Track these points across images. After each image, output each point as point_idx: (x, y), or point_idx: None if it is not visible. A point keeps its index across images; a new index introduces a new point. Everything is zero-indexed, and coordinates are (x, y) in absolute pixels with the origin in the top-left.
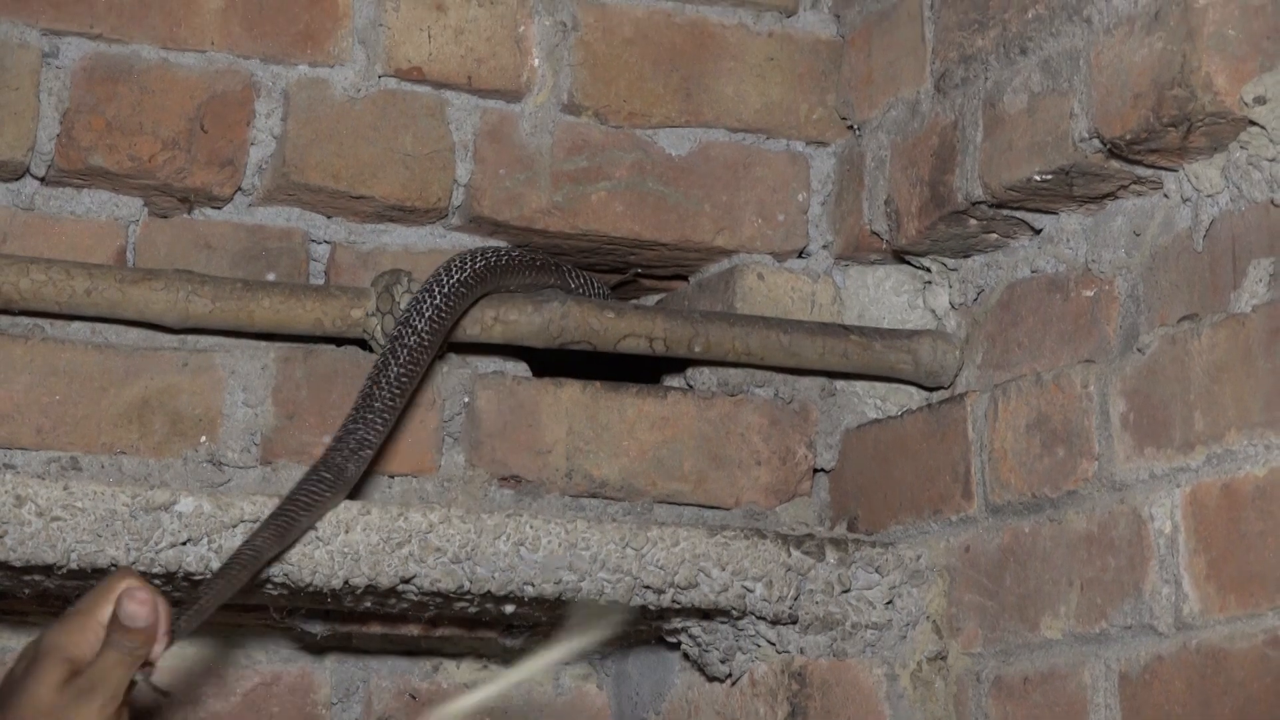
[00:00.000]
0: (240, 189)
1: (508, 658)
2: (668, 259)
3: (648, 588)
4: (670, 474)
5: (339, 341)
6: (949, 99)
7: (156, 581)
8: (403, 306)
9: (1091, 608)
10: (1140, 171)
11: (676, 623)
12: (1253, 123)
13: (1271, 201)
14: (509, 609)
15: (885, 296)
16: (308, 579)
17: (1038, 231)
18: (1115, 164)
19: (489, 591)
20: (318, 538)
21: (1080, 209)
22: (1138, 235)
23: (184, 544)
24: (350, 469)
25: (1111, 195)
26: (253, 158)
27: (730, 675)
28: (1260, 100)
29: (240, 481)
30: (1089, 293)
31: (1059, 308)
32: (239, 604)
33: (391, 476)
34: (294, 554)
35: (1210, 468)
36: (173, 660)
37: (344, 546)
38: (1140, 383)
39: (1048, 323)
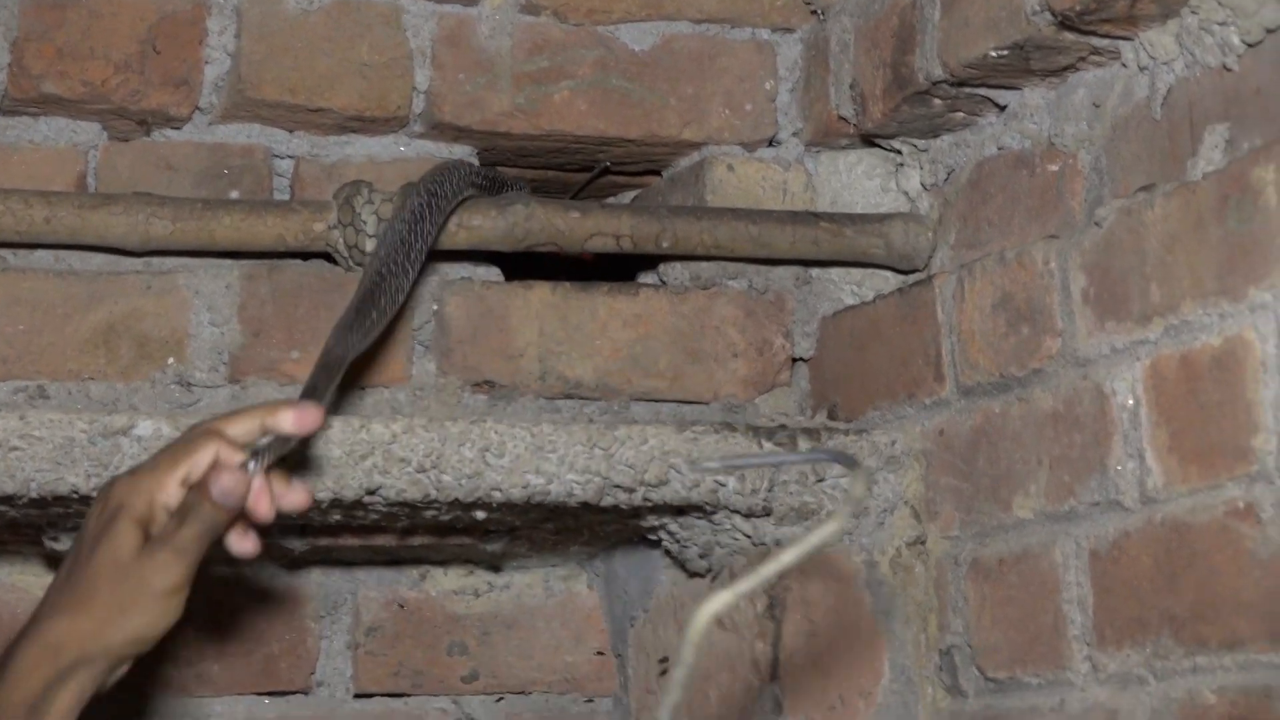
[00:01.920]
0: (198, 108)
1: (493, 562)
2: (637, 155)
3: (618, 487)
4: (646, 371)
5: (305, 256)
6: None
7: None
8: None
9: (1060, 486)
10: (1097, 42)
11: (653, 520)
12: None
13: (1224, 66)
14: (480, 515)
15: (858, 181)
16: None
17: (1003, 108)
18: (1069, 36)
19: (456, 499)
20: None
21: (1043, 83)
22: (1098, 107)
23: None
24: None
25: (1072, 68)
26: (208, 76)
27: (710, 570)
28: None
29: (210, 401)
30: (1054, 167)
31: (1025, 184)
32: None
33: (362, 388)
34: None
35: (1169, 339)
36: None
37: (306, 461)
38: (1099, 256)
39: (1015, 200)
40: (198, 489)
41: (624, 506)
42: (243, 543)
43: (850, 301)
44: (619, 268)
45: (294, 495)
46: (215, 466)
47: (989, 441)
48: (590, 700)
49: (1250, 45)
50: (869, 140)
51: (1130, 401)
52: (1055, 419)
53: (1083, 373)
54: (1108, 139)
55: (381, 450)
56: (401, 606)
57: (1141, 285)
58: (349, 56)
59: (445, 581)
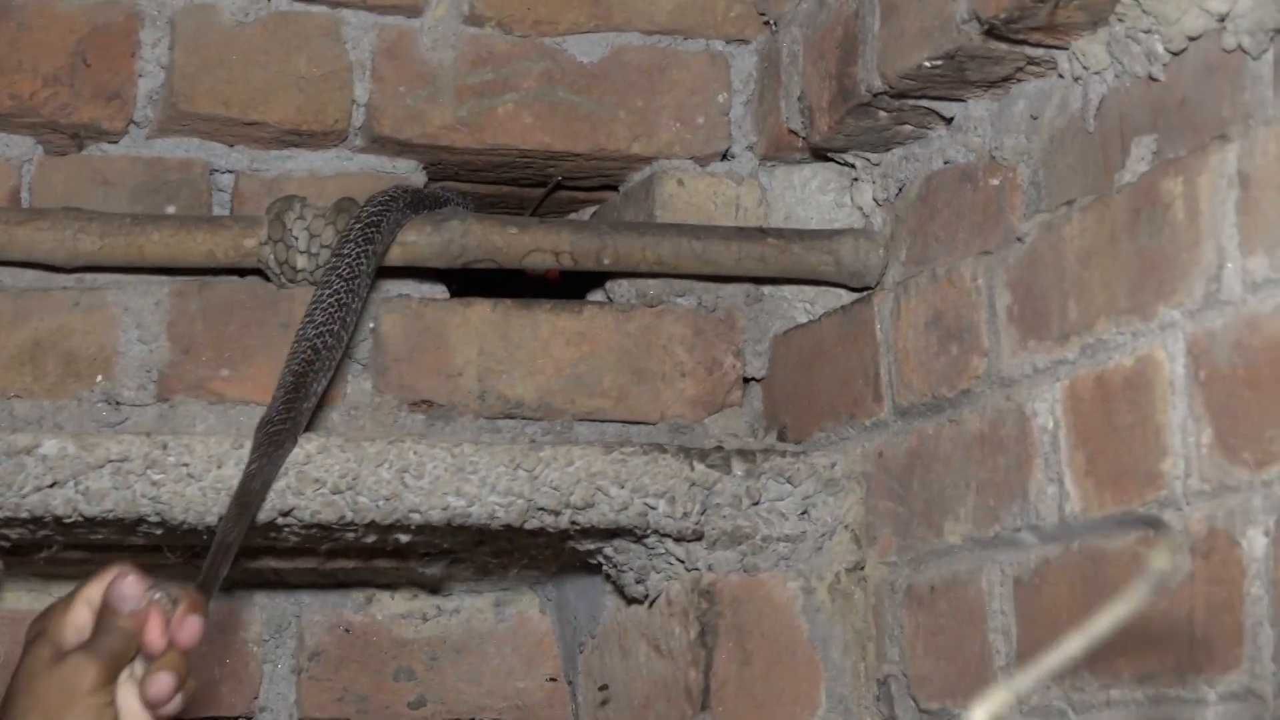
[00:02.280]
0: (134, 122)
1: (435, 587)
2: (588, 169)
3: (542, 509)
4: (590, 391)
5: (241, 273)
6: None
7: (25, 528)
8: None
9: (986, 511)
10: (1031, 52)
11: (588, 544)
12: None
13: (1150, 75)
14: (402, 538)
15: (812, 196)
16: (180, 517)
17: (949, 121)
18: (1000, 45)
19: (373, 521)
20: (189, 474)
21: (986, 94)
22: (1035, 119)
23: (50, 487)
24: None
25: (1011, 79)
26: (142, 89)
27: (648, 596)
28: None
29: (138, 420)
30: (995, 181)
31: (969, 198)
32: (151, 545)
33: None
34: (164, 492)
35: (1086, 359)
36: None
37: (216, 482)
38: (1023, 273)
39: (960, 215)
40: (105, 610)
41: (551, 529)
42: (152, 686)
43: (803, 320)
44: (578, 286)
45: (187, 629)
46: (116, 577)
47: (923, 464)
48: None
49: (1174, 54)
50: (821, 154)
51: (1050, 424)
52: (982, 441)
53: (1006, 393)
54: (1045, 151)
55: (295, 470)
56: (347, 631)
57: (1061, 302)
58: (285, 69)
59: (392, 605)
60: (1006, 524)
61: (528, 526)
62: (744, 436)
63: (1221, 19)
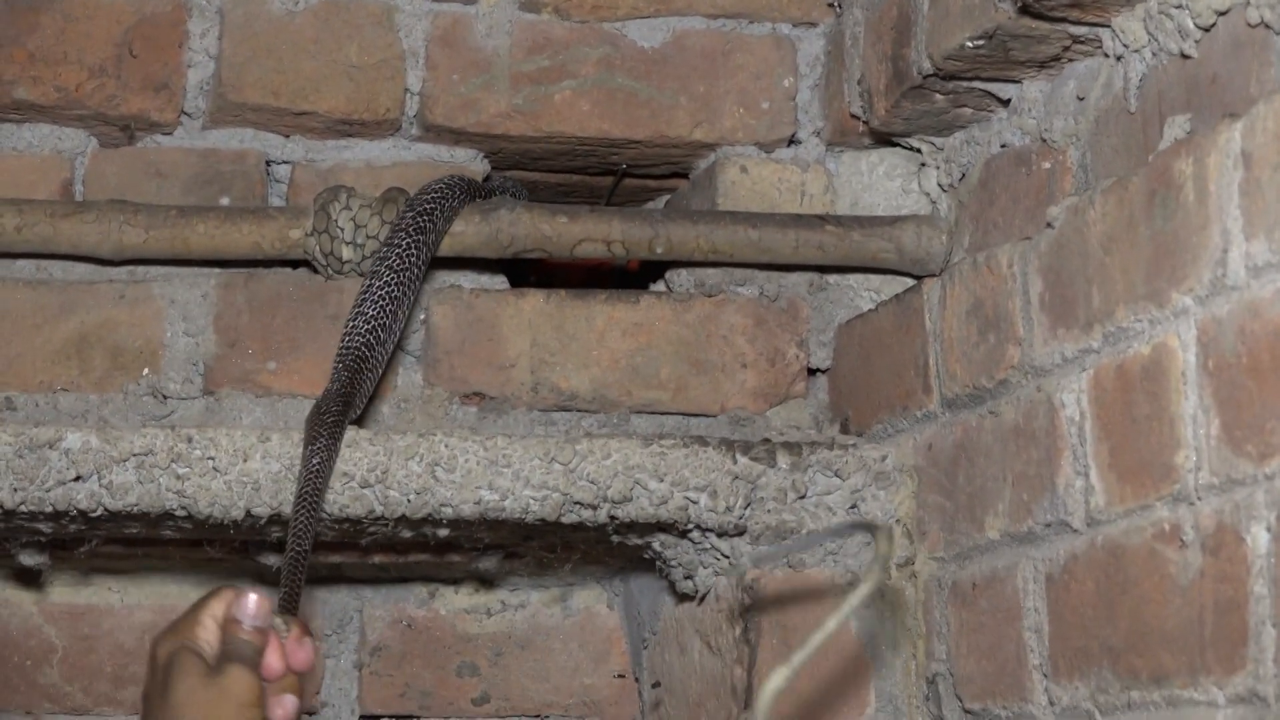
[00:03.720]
0: (185, 113)
1: (497, 582)
2: (652, 157)
3: (579, 503)
4: (647, 383)
5: (294, 264)
6: None
7: (52, 522)
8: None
9: (1020, 505)
10: (1074, 30)
11: (635, 539)
12: None
13: (1182, 53)
14: (439, 532)
15: (879, 182)
16: (206, 511)
17: (1006, 103)
18: (1039, 24)
19: (404, 515)
20: (214, 468)
21: (1040, 75)
22: (1082, 100)
23: (73, 481)
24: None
25: (1061, 58)
26: (191, 80)
27: (697, 592)
28: None
29: (185, 413)
30: (1046, 165)
31: (1024, 183)
32: (189, 540)
33: None
34: (189, 486)
35: (1109, 347)
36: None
37: (242, 476)
38: (1052, 259)
39: (1016, 200)
40: (230, 624)
41: (590, 524)
42: (279, 708)
43: (869, 308)
44: (643, 277)
45: (304, 652)
46: (233, 603)
47: (967, 457)
48: None
49: (1204, 29)
50: (885, 139)
51: (1077, 415)
52: (1017, 433)
53: (1038, 384)
54: (1091, 133)
55: None
56: (409, 626)
57: (1085, 289)
58: (336, 58)
59: (455, 600)
60: (1039, 519)
61: (564, 520)
62: (807, 429)
63: None
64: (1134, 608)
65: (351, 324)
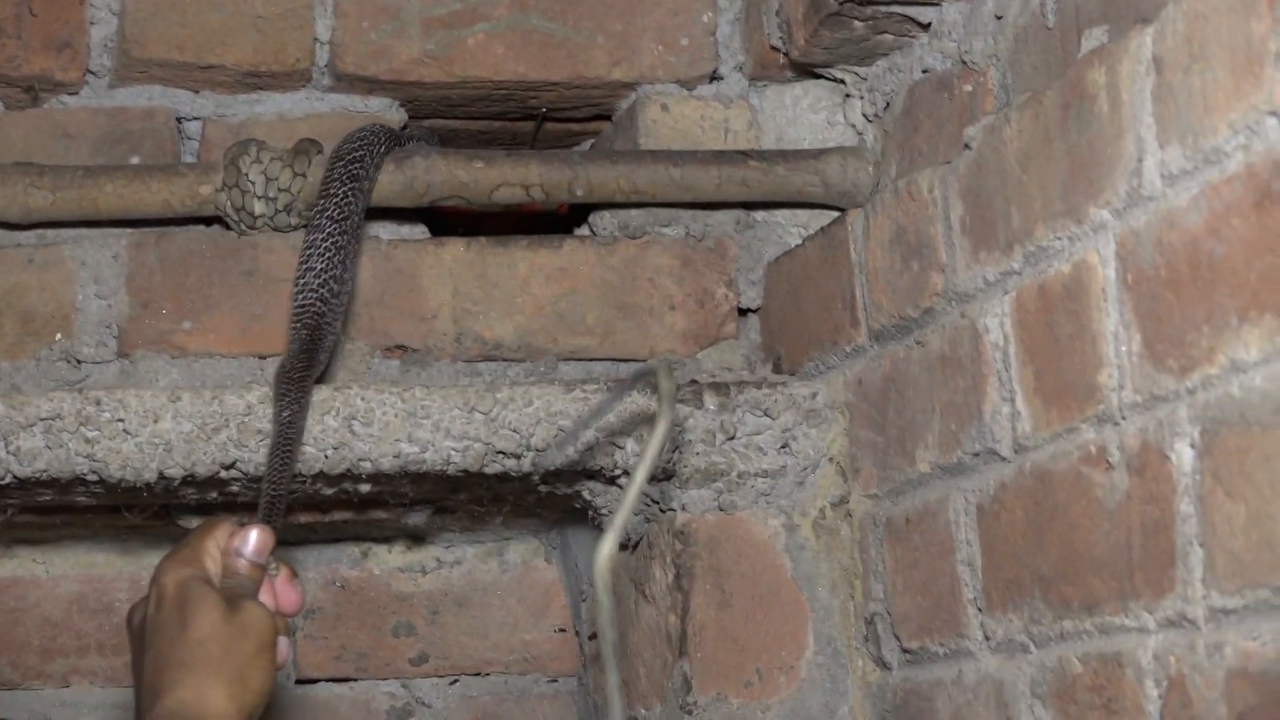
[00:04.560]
0: (90, 71)
1: (429, 538)
2: (571, 99)
3: (501, 453)
4: (573, 328)
5: (206, 222)
6: None
7: None
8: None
9: (948, 436)
10: None
11: (563, 488)
12: None
13: None
14: (361, 488)
15: (803, 116)
16: (117, 474)
17: (926, 27)
18: None
19: (321, 472)
20: (125, 430)
21: None
22: (1000, 19)
23: None
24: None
25: None
26: (95, 37)
27: (630, 540)
28: None
29: (99, 377)
30: (968, 88)
31: (947, 108)
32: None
33: (262, 358)
34: (99, 449)
35: (1030, 268)
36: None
37: (153, 437)
38: (971, 181)
39: (940, 125)
40: (227, 557)
41: (514, 474)
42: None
43: (796, 245)
44: (572, 220)
45: (294, 595)
46: (234, 536)
47: (896, 390)
48: (554, 680)
49: None
50: (808, 71)
51: (1001, 340)
52: (943, 362)
53: (962, 310)
54: (1011, 52)
55: (236, 422)
56: (342, 586)
57: (1005, 210)
58: (242, 9)
59: (389, 558)
60: (967, 448)
61: (488, 471)
62: (739, 370)
63: None
64: (1063, 535)
65: (301, 280)
